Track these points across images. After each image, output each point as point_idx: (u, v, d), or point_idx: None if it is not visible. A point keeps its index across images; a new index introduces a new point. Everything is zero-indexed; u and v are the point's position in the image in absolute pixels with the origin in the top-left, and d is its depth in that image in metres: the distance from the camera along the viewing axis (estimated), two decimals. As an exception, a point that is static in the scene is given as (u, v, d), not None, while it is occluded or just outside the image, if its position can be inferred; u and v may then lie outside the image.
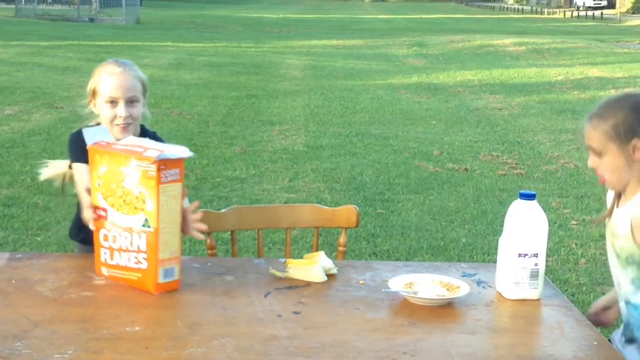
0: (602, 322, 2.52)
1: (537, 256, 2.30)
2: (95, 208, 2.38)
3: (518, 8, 68.25)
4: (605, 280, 4.98)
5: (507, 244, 2.33)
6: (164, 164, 2.25)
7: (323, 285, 2.45)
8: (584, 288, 4.85)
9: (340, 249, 3.08)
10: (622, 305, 2.38)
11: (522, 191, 2.31)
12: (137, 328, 2.09)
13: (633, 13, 57.86)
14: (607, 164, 2.19)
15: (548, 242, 2.37)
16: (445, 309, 2.29)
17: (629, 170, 2.18)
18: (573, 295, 4.70)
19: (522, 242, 2.29)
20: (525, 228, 2.29)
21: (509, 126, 10.58)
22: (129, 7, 33.79)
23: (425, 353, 2.00)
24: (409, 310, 2.26)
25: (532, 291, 2.32)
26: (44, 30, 26.75)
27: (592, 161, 2.24)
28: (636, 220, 2.18)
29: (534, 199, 2.28)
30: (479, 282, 2.49)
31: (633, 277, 2.29)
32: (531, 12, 61.68)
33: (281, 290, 2.39)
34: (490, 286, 2.46)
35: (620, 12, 56.25)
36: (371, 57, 21.34)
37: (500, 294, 2.39)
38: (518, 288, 2.32)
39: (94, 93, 2.80)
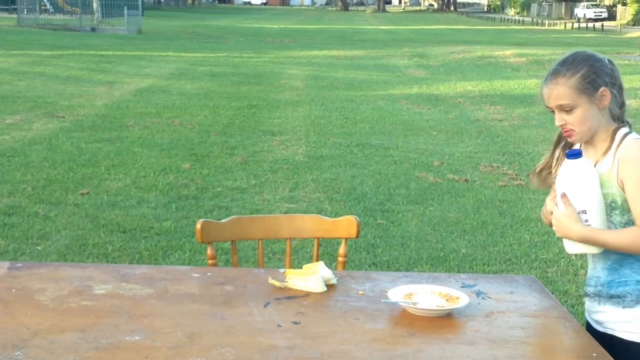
0: None
1: (585, 212, 2.30)
2: None
3: (519, 19, 68.38)
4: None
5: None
6: None
7: (322, 295, 2.45)
8: (583, 299, 4.84)
9: (340, 259, 3.09)
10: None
11: (568, 150, 2.35)
12: (136, 337, 2.10)
13: (634, 25, 57.97)
14: (578, 116, 2.30)
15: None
16: (445, 319, 2.29)
17: (597, 118, 2.32)
18: (573, 307, 4.69)
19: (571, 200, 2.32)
20: (570, 186, 2.32)
21: (509, 137, 10.59)
22: (131, 17, 33.86)
23: (424, 364, 2.00)
24: (409, 320, 2.26)
25: (589, 247, 2.34)
26: (46, 39, 26.81)
27: (560, 119, 2.33)
28: (622, 155, 2.28)
29: (579, 157, 2.31)
30: (478, 293, 2.49)
31: (617, 222, 2.33)
32: (532, 23, 61.80)
33: (281, 300, 2.39)
34: (489, 297, 2.46)
35: (620, 24, 56.34)
36: (372, 67, 21.37)
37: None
38: (574, 242, 2.35)
39: None
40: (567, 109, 2.31)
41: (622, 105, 2.36)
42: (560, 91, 2.31)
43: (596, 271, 2.44)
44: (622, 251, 2.32)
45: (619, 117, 2.35)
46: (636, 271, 2.33)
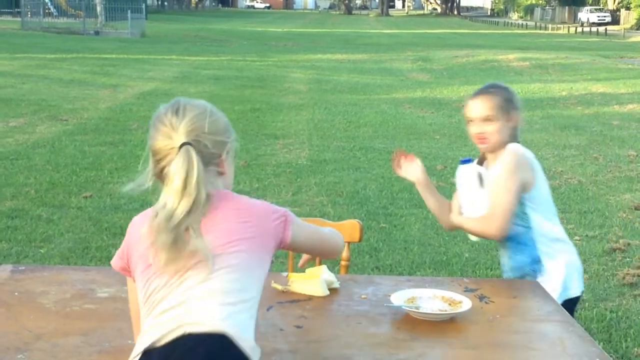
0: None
1: (462, 207, 2.93)
2: None
3: (522, 23, 68.38)
4: (608, 297, 4.98)
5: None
6: None
7: (325, 299, 2.45)
8: (586, 304, 4.84)
9: (343, 263, 3.09)
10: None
11: (462, 159, 2.95)
12: (139, 341, 2.09)
13: (637, 29, 57.95)
14: (495, 128, 2.87)
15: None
16: (447, 324, 2.29)
17: (506, 134, 2.89)
18: (576, 311, 4.67)
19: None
20: (458, 186, 2.95)
21: (512, 141, 10.57)
22: (135, 20, 33.93)
23: (427, 368, 2.00)
24: (411, 325, 2.26)
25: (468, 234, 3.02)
26: (50, 42, 26.86)
27: (480, 127, 2.89)
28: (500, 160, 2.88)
29: (467, 163, 2.91)
30: (481, 298, 2.49)
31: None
32: (535, 27, 61.80)
33: (283, 304, 2.39)
34: (492, 301, 2.46)
35: (624, 28, 56.32)
36: (375, 71, 21.38)
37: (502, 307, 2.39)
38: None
39: None
40: (488, 120, 2.86)
41: (517, 129, 2.95)
42: (488, 105, 2.88)
43: (503, 259, 3.03)
44: (476, 235, 2.94)
45: (516, 137, 2.93)
46: (528, 256, 2.87)
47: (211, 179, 1.96)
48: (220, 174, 2.02)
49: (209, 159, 1.95)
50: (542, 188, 2.88)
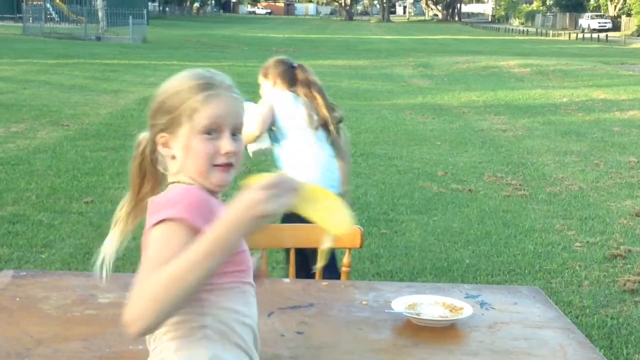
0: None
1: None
2: None
3: (523, 30, 68.46)
4: (609, 303, 4.97)
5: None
6: None
7: (326, 305, 2.45)
8: (587, 310, 4.84)
9: (344, 269, 3.09)
10: None
11: None
12: (140, 346, 2.09)
13: (638, 36, 57.99)
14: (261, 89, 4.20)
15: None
16: (448, 330, 2.29)
17: (264, 90, 4.24)
18: (577, 318, 4.68)
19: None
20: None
21: (513, 147, 10.59)
22: (136, 26, 33.95)
23: (428, 374, 2.00)
24: (412, 331, 2.26)
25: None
26: (51, 48, 26.89)
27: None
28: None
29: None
30: (482, 304, 2.49)
31: None
32: (536, 33, 61.86)
33: (284, 309, 2.39)
34: (493, 308, 2.46)
35: (625, 35, 56.36)
36: (376, 77, 21.40)
37: (500, 312, 2.39)
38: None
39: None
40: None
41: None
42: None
43: None
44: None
45: (290, 85, 4.20)
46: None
47: (168, 166, 1.80)
48: (172, 157, 1.79)
49: (152, 144, 1.85)
50: (280, 120, 4.13)
